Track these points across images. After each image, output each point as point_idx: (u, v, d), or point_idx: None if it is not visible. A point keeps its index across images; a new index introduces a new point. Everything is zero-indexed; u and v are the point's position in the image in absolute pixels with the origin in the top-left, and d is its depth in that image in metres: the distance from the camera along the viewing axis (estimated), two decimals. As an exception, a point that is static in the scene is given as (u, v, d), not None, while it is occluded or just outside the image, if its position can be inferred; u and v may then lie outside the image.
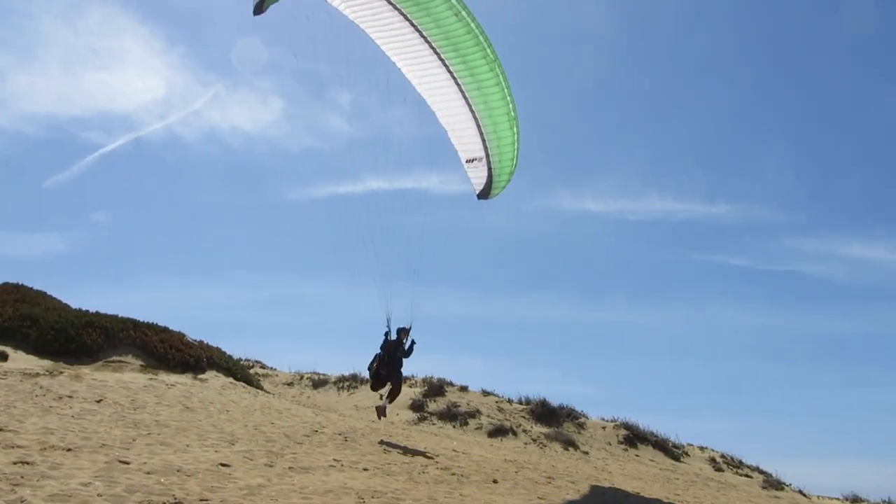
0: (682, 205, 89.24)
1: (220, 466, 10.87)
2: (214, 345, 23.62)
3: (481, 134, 13.39)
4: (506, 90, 12.78)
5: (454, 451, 17.34)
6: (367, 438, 16.31)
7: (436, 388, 26.78)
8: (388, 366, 15.96)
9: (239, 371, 22.76)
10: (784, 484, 26.25)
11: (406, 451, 15.59)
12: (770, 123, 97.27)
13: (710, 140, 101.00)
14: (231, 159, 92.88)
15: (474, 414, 24.69)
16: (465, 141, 13.65)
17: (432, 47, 12.58)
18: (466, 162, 13.89)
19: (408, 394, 26.49)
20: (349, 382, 29.39)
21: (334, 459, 13.10)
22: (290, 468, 11.73)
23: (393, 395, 16.72)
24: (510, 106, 12.98)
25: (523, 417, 25.69)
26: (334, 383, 29.60)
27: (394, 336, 15.87)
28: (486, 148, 13.55)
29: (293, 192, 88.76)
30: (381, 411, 16.86)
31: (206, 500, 8.95)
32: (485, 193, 14.17)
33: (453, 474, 13.64)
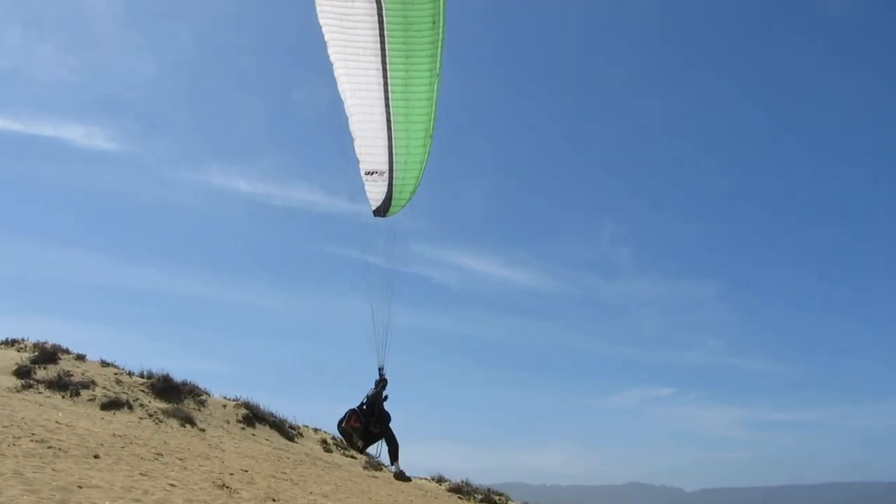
0: (329, 199, 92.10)
1: None
2: None
3: (391, 147, 12.69)
4: (433, 106, 12.29)
5: (57, 423, 16.47)
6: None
7: (48, 355, 24.84)
8: (377, 421, 14.08)
9: None
10: (383, 465, 28.74)
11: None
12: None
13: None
14: None
15: (88, 385, 23.41)
16: (371, 153, 12.82)
17: (383, 45, 11.71)
18: (365, 174, 12.95)
19: (14, 358, 24.29)
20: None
21: None
22: None
23: (395, 453, 14.82)
24: (431, 123, 12.47)
25: (142, 391, 24.97)
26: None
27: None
28: (391, 162, 12.83)
29: None
30: (404, 476, 15.26)
31: None
32: (382, 211, 13.21)
33: (49, 447, 13.06)
